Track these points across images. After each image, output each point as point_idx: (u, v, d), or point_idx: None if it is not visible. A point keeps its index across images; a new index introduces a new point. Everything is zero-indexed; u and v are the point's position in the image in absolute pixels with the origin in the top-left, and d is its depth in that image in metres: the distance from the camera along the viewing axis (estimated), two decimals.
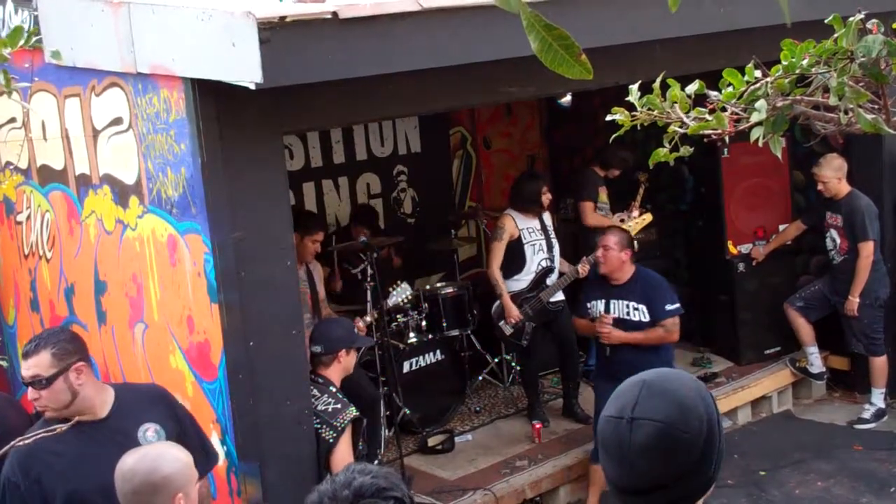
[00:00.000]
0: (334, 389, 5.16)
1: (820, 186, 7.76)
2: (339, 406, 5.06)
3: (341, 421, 4.98)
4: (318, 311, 6.95)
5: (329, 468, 4.89)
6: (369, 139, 9.41)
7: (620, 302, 6.60)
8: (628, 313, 6.56)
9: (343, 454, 4.97)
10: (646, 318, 6.53)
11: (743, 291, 8.52)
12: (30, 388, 3.72)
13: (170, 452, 3.32)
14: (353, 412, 5.06)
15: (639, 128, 2.56)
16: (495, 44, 4.60)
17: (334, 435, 4.96)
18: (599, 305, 6.67)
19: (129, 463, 3.20)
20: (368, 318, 7.12)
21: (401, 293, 7.30)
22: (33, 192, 6.19)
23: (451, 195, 10.12)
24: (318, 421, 4.97)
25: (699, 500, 2.05)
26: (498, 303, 7.67)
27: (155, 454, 3.27)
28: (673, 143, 2.54)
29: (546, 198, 7.74)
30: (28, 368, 3.71)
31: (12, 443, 2.36)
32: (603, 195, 8.45)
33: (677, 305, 6.59)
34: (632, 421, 1.98)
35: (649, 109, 2.48)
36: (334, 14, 4.15)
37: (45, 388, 3.69)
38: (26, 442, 2.33)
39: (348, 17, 4.18)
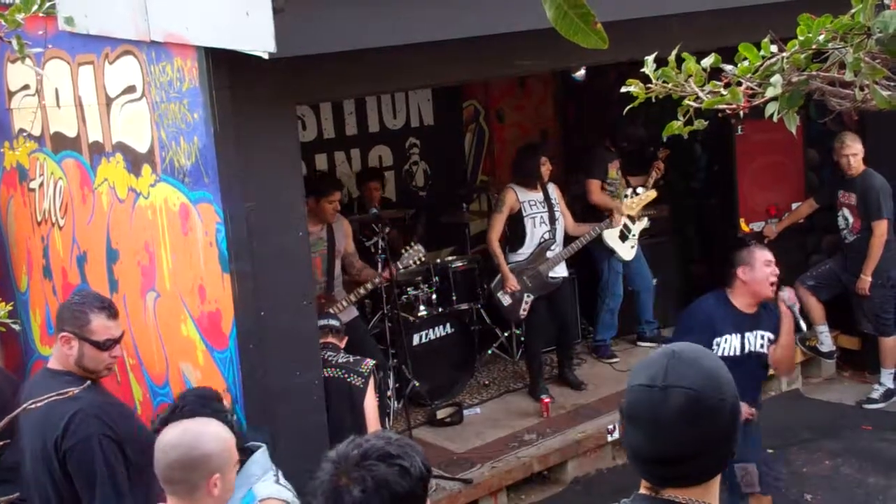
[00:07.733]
0: (346, 354, 5.46)
1: (850, 160, 7.65)
2: (358, 358, 5.36)
3: (365, 367, 5.25)
4: (332, 270, 6.86)
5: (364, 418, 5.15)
6: (382, 111, 9.40)
7: (755, 334, 5.32)
8: (763, 346, 5.33)
9: (372, 400, 5.21)
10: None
11: None
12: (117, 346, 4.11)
13: (213, 429, 3.16)
14: (372, 361, 5.37)
15: (654, 100, 2.55)
16: (510, 16, 4.57)
17: (363, 381, 5.19)
18: (734, 341, 5.26)
19: (171, 435, 3.08)
20: (377, 280, 7.02)
21: (413, 255, 7.18)
22: (46, 160, 6.20)
23: (464, 169, 10.11)
24: (342, 372, 5.21)
25: (716, 477, 2.05)
26: (499, 276, 7.69)
27: (197, 430, 3.11)
28: (687, 116, 2.52)
29: (545, 169, 7.70)
30: (118, 327, 4.15)
31: (24, 405, 2.37)
32: (613, 171, 8.40)
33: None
34: (665, 389, 1.98)
35: (664, 82, 2.46)
36: None
37: None
38: (38, 405, 2.34)
39: None
